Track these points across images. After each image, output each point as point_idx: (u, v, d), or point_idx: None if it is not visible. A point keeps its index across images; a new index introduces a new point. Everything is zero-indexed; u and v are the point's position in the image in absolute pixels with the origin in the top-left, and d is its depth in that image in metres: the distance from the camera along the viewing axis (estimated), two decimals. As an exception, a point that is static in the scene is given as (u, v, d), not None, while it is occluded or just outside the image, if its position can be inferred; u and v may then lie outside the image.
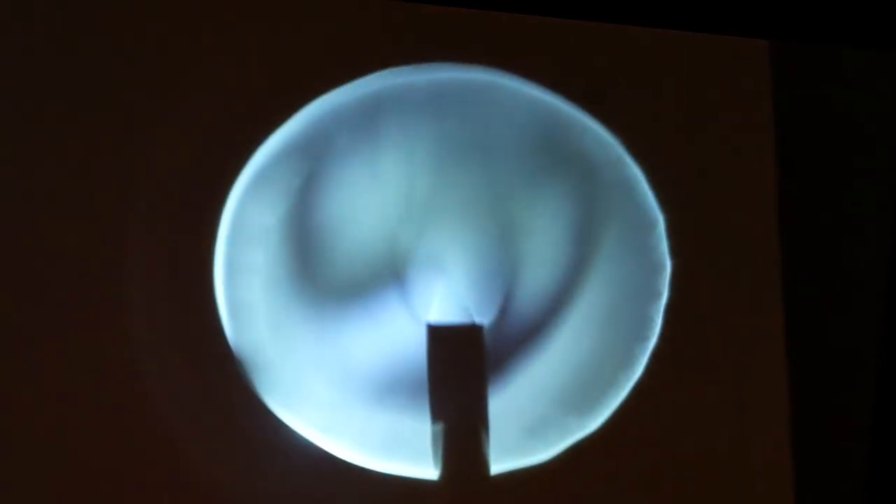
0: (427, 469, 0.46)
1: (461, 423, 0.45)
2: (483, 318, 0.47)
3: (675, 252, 0.47)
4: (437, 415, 0.46)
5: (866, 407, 0.48)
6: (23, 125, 0.45)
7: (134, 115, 0.45)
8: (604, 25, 0.48)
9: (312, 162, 0.46)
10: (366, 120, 0.47)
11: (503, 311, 0.47)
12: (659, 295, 0.47)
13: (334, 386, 0.46)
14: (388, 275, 0.46)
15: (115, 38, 0.46)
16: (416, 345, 0.46)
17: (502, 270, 0.47)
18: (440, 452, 0.45)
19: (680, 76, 0.49)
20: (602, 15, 0.48)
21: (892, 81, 0.50)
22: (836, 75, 0.50)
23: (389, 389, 0.46)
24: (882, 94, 0.50)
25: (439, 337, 0.46)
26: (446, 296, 0.46)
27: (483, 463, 0.45)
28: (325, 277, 0.46)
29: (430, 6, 0.47)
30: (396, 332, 0.46)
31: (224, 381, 0.45)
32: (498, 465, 0.46)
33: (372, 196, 0.47)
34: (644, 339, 0.47)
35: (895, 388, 0.49)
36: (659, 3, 0.49)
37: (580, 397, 0.47)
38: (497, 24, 0.47)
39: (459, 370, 0.46)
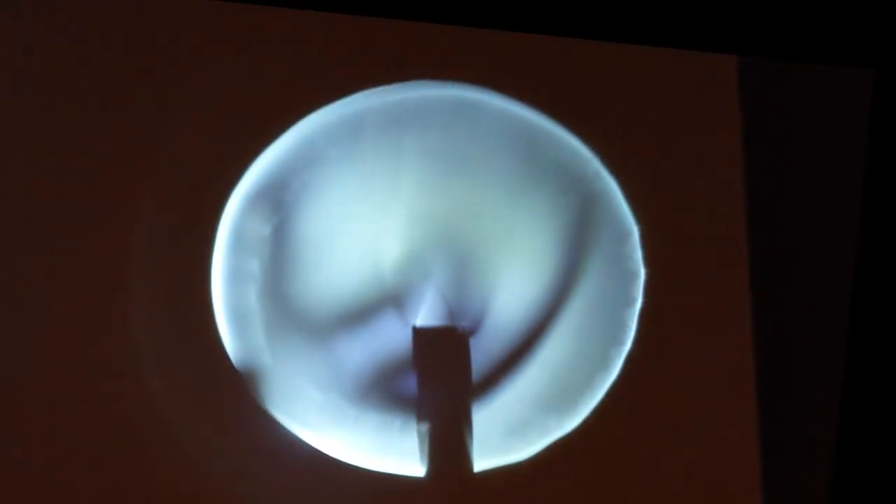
0: (414, 467, 0.46)
1: (446, 423, 0.45)
2: (467, 322, 0.47)
3: (649, 261, 0.48)
4: (423, 415, 0.46)
5: (832, 405, 0.49)
6: (29, 134, 0.46)
7: (136, 132, 0.46)
8: (581, 44, 0.49)
9: (305, 175, 0.47)
10: (355, 135, 0.47)
11: (486, 317, 0.47)
12: (633, 301, 0.48)
13: (326, 388, 0.46)
14: (376, 281, 0.47)
15: (120, 54, 0.46)
16: (403, 348, 0.47)
17: (485, 278, 0.48)
18: (427, 451, 0.45)
19: (653, 93, 0.49)
20: (579, 33, 0.49)
21: (855, 96, 0.51)
22: (801, 90, 0.51)
23: (378, 391, 0.47)
24: (845, 108, 0.51)
25: (426, 341, 0.46)
26: (432, 301, 0.47)
27: (467, 461, 0.45)
28: (318, 284, 0.47)
29: (414, 26, 0.48)
30: (385, 337, 0.47)
31: (221, 383, 0.46)
32: (481, 463, 0.46)
33: (361, 207, 0.47)
34: (619, 343, 0.48)
35: (860, 389, 0.50)
36: (633, 21, 0.50)
37: (559, 398, 0.47)
38: (478, 42, 0.48)
39: (445, 372, 0.46)
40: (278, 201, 0.47)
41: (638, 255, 0.48)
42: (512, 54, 0.49)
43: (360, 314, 0.47)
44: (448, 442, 0.45)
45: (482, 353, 0.47)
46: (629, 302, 0.48)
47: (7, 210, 0.45)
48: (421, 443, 0.46)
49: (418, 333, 0.47)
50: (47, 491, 0.44)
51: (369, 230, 0.47)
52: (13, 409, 0.44)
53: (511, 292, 0.48)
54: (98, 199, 0.46)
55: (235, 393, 0.46)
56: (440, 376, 0.46)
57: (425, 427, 0.45)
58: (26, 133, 0.46)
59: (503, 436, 0.47)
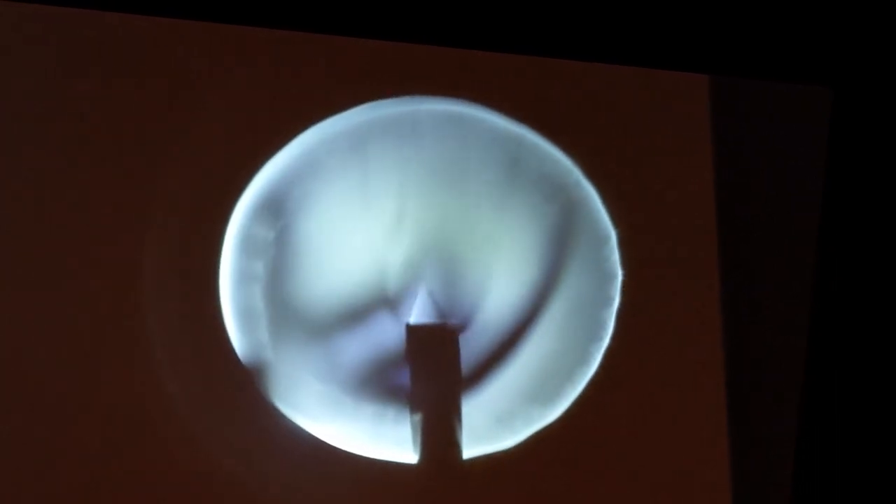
0: (407, 454, 0.47)
1: (437, 414, 0.46)
2: (457, 320, 0.48)
3: (626, 263, 0.50)
4: (416, 406, 0.47)
5: (794, 395, 0.51)
6: (48, 143, 0.47)
7: (152, 144, 0.47)
8: (563, 64, 0.51)
9: (306, 183, 0.48)
10: (354, 146, 0.48)
11: (475, 315, 0.49)
12: (611, 300, 0.49)
13: (326, 381, 0.48)
14: (372, 282, 0.48)
15: (138, 73, 0.47)
16: (397, 344, 0.48)
17: (474, 279, 0.49)
18: (419, 439, 0.46)
19: (630, 107, 0.51)
20: (561, 54, 0.51)
21: (815, 112, 0.52)
22: (767, 107, 0.52)
23: (374, 384, 0.48)
24: (807, 123, 0.52)
25: (418, 337, 0.48)
26: (424, 301, 0.48)
27: (457, 448, 0.46)
28: (318, 285, 0.48)
29: (408, 47, 0.49)
30: (380, 334, 0.48)
31: (228, 377, 0.47)
32: (470, 451, 0.47)
33: (358, 213, 0.49)
34: (598, 339, 0.49)
35: (821, 382, 0.52)
36: (610, 42, 0.51)
37: (543, 390, 0.49)
38: (468, 62, 0.50)
39: (436, 367, 0.48)
40: (282, 208, 0.48)
41: (615, 257, 0.50)
42: (499, 73, 0.50)
43: (357, 313, 0.48)
44: (439, 431, 0.46)
45: (471, 348, 0.48)
46: (608, 301, 0.49)
47: (25, 217, 0.46)
48: (414, 432, 0.47)
49: (411, 330, 0.48)
50: (63, 482, 0.45)
51: (366, 235, 0.49)
52: (28, 404, 0.45)
53: (498, 292, 0.49)
54: (116, 207, 0.47)
55: (242, 385, 0.47)
56: (432, 370, 0.48)
57: (418, 417, 0.47)
58: (45, 143, 0.47)
59: (490, 425, 0.48)
